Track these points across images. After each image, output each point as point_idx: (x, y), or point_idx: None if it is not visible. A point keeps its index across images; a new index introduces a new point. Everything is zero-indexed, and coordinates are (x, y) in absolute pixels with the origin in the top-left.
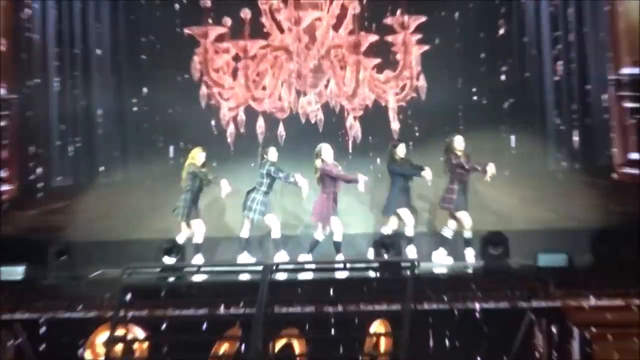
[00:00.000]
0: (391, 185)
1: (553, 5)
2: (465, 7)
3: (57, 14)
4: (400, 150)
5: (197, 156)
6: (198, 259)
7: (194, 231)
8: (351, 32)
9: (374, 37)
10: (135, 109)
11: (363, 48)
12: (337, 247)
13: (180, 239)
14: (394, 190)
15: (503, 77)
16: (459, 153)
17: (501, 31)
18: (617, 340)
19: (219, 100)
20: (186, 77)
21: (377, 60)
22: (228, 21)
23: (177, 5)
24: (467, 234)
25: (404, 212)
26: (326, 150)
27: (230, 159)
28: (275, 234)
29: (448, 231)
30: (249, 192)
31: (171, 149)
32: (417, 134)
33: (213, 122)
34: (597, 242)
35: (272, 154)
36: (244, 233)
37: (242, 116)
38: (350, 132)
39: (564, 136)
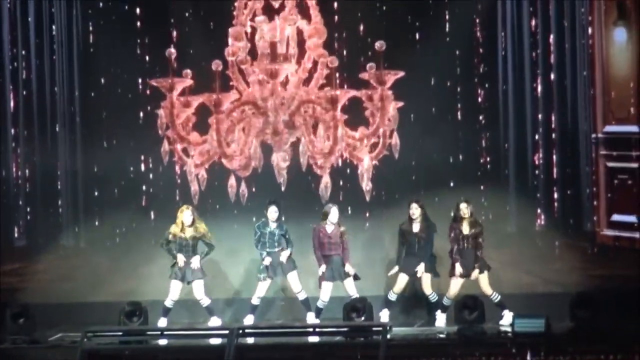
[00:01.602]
0: None
1: (535, 65)
2: (443, 67)
3: (11, 67)
4: (413, 211)
5: (183, 216)
6: (162, 323)
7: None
8: (322, 87)
9: (352, 93)
10: (96, 169)
11: (340, 104)
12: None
13: (169, 302)
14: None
15: (482, 137)
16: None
17: (481, 93)
18: None
19: (182, 157)
20: (147, 133)
21: (345, 116)
22: (188, 73)
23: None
24: (447, 301)
25: (401, 276)
26: (333, 214)
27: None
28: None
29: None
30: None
31: (133, 209)
32: (389, 195)
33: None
34: (576, 306)
35: (272, 212)
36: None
37: (203, 174)
38: (326, 192)
39: (545, 198)
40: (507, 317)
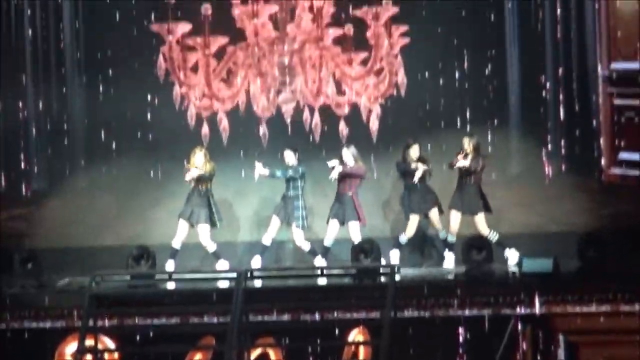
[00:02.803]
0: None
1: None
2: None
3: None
4: (414, 152)
5: (195, 159)
6: (170, 266)
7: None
8: (318, 26)
9: (339, 31)
10: (102, 112)
11: (328, 42)
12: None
13: (176, 243)
14: (404, 193)
15: (487, 75)
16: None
17: (486, 28)
18: (604, 347)
19: (190, 100)
20: (154, 78)
21: (347, 56)
22: (208, 8)
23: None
24: (451, 237)
25: (413, 217)
26: (344, 154)
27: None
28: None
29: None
30: (285, 198)
31: (139, 153)
32: (396, 136)
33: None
34: (584, 246)
35: (288, 156)
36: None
37: (221, 117)
38: (316, 132)
39: (552, 137)
40: (512, 256)
